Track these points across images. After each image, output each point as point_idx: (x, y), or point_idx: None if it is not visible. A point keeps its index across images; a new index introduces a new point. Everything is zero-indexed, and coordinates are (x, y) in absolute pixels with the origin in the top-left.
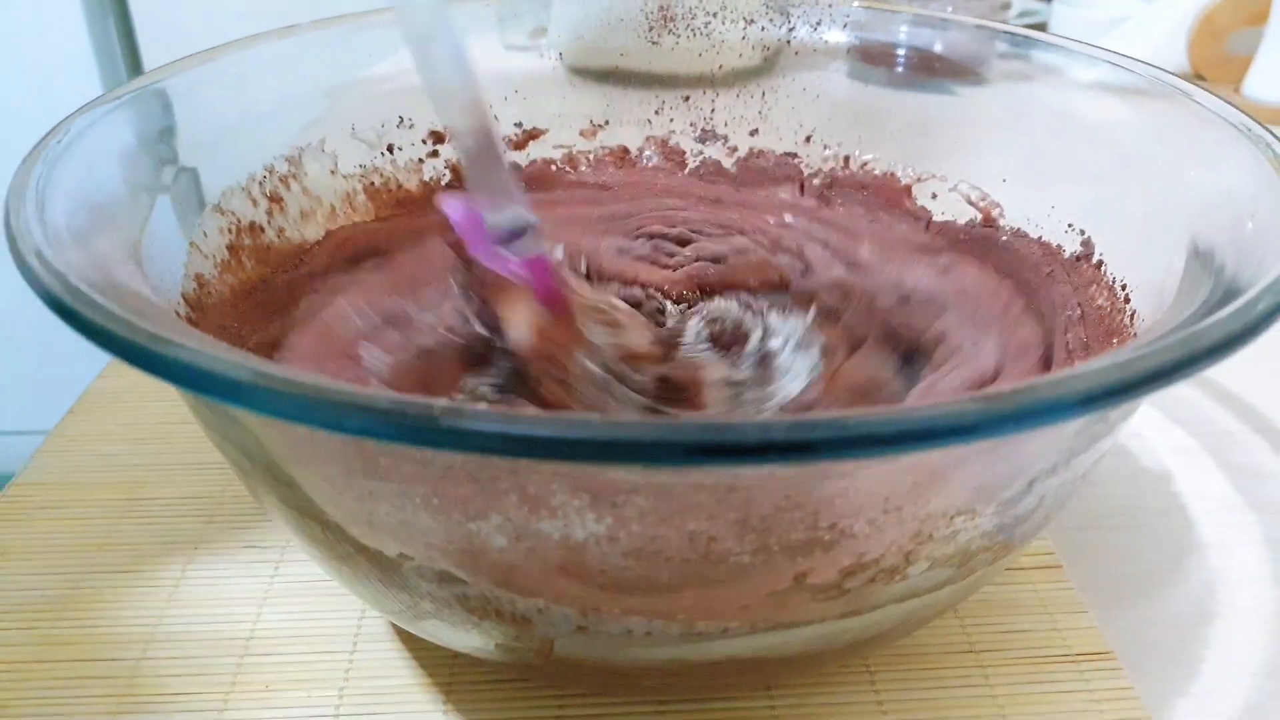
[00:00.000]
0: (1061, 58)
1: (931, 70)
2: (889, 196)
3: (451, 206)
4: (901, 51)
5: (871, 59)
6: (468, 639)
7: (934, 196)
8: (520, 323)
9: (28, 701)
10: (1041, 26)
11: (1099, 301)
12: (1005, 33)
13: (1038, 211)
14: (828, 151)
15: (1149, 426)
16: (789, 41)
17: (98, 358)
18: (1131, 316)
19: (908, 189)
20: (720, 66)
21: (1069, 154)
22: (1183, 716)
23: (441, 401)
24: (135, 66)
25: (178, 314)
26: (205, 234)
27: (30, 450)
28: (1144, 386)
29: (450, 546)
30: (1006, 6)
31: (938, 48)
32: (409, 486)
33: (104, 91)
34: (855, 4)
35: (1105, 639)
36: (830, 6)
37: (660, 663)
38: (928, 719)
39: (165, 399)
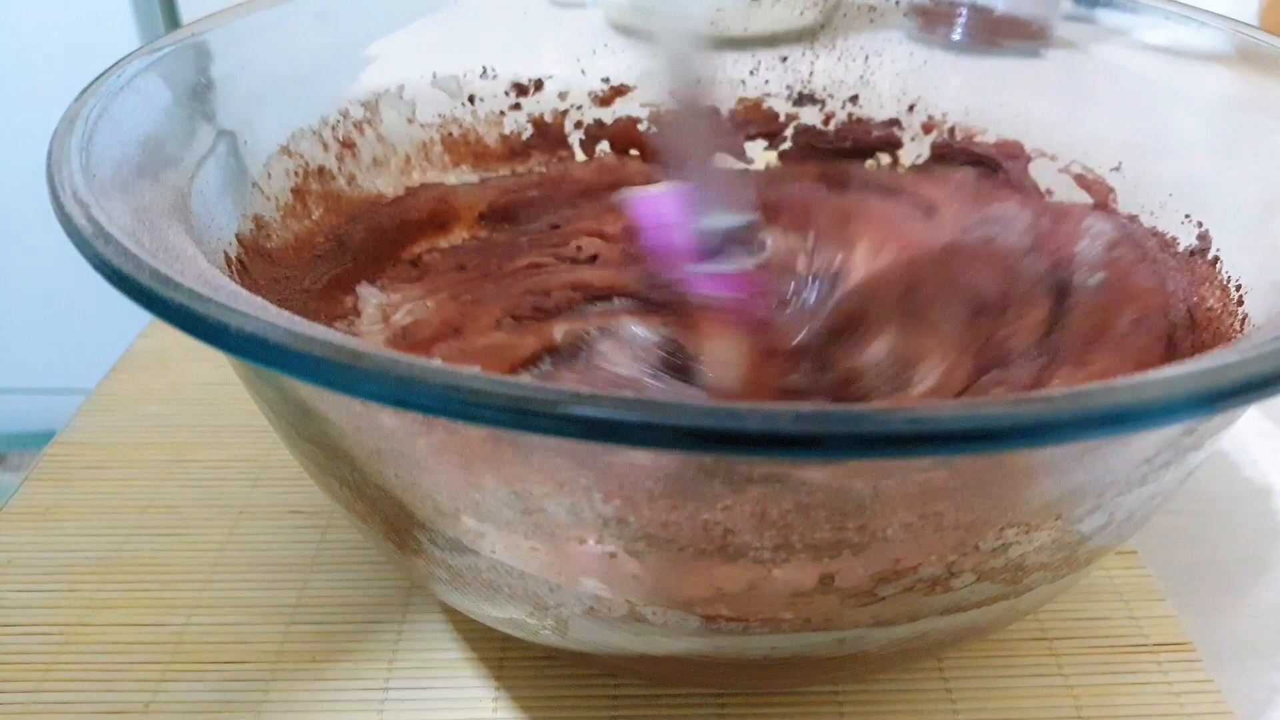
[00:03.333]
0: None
1: (1046, 38)
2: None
3: (645, 205)
4: (1006, 17)
5: (990, 26)
6: (487, 609)
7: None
8: (728, 360)
9: (72, 665)
10: None
11: (1209, 303)
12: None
13: (1151, 199)
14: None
15: None
16: (897, 1)
17: (139, 315)
18: (1243, 321)
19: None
20: (822, 26)
21: (1174, 131)
22: (1266, 713)
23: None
24: (171, 14)
25: (227, 255)
26: (270, 175)
27: (71, 409)
28: (1233, 398)
29: (460, 515)
30: None
31: (1058, 11)
32: (408, 446)
33: (140, 39)
34: None
35: (1184, 629)
36: None
37: (684, 654)
38: (999, 708)
39: (209, 359)
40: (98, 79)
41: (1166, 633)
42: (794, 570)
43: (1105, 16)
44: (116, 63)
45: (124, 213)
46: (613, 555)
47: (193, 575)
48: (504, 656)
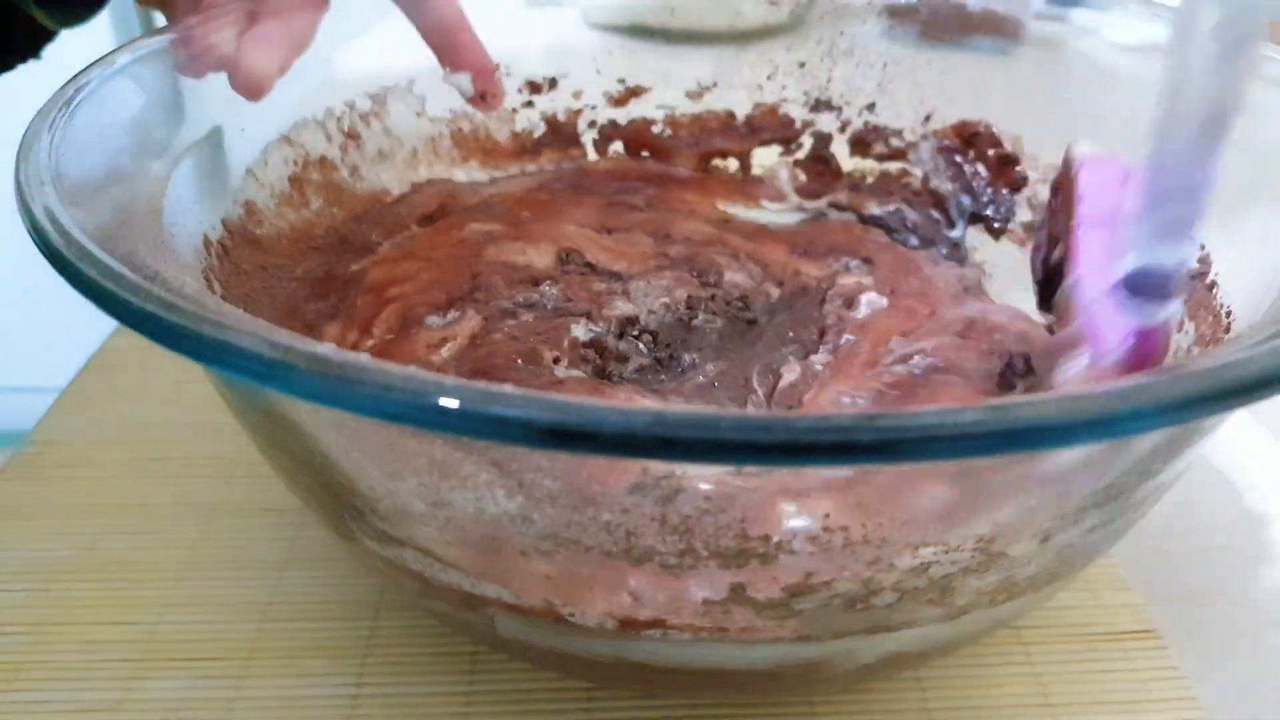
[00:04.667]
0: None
1: (1018, 36)
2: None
3: (1095, 182)
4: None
5: (1004, 30)
6: (423, 602)
7: None
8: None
9: (43, 664)
10: None
11: (1201, 329)
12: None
13: None
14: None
15: None
16: (915, 6)
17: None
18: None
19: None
20: (821, 17)
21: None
22: (1228, 698)
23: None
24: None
25: (207, 238)
26: (267, 162)
27: (42, 408)
28: (1141, 421)
29: (378, 505)
30: None
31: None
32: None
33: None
34: None
35: (1150, 617)
36: None
37: (610, 657)
38: (968, 696)
39: (180, 358)
40: (79, 74)
41: (1133, 621)
42: (704, 578)
43: (1077, 15)
44: (102, 57)
45: (85, 214)
46: (523, 554)
47: (165, 573)
48: (476, 653)
